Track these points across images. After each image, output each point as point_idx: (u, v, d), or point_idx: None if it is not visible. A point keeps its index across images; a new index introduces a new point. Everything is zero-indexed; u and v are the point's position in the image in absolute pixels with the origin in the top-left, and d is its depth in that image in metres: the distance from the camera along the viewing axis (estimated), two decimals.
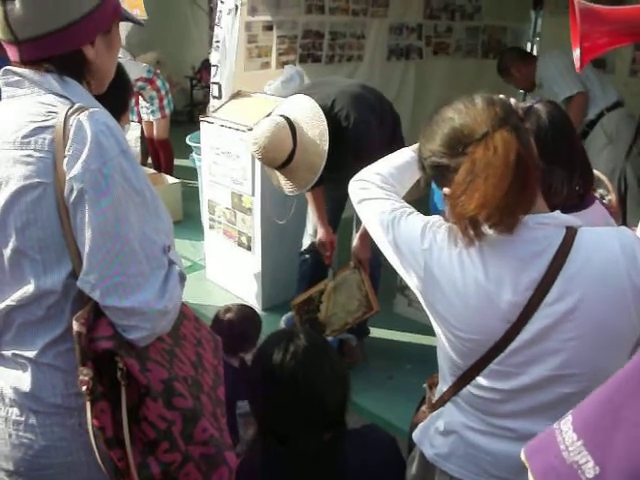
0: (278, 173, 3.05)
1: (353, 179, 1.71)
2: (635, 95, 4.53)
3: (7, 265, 1.34)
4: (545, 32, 6.26)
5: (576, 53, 1.77)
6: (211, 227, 4.45)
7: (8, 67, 1.36)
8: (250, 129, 3.80)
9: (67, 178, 1.24)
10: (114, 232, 1.26)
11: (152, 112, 6.41)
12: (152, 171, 6.21)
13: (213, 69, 4.23)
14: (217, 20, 4.13)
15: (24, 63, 1.34)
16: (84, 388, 1.27)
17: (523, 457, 0.80)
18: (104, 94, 1.89)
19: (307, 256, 3.67)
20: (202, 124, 4.23)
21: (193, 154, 5.49)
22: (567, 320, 1.31)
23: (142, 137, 6.58)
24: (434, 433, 1.57)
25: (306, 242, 3.66)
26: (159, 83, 6.33)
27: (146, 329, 1.31)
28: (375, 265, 3.45)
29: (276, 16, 4.53)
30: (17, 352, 1.37)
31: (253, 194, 3.97)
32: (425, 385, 1.77)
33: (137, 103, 6.48)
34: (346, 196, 3.59)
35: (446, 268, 1.39)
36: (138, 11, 5.01)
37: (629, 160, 3.92)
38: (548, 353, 1.34)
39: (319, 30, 4.94)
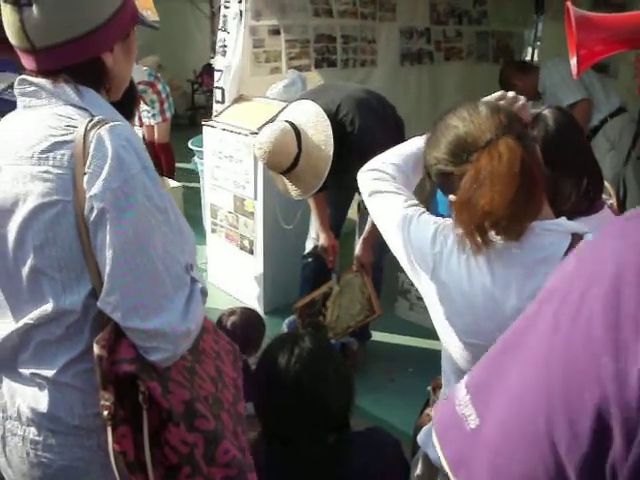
0: (284, 178, 3.07)
1: (364, 168, 1.69)
2: (638, 100, 4.55)
3: (25, 283, 1.31)
4: (546, 37, 6.28)
5: (573, 61, 1.79)
6: (213, 231, 4.46)
7: (24, 76, 1.31)
8: (252, 133, 3.82)
9: (87, 196, 1.20)
10: (136, 252, 1.22)
11: (153, 116, 6.43)
12: None
13: (217, 74, 4.24)
14: (222, 25, 4.13)
15: (41, 73, 1.30)
16: (105, 413, 1.23)
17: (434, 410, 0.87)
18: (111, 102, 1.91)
19: (310, 259, 3.68)
20: (204, 128, 4.25)
21: (195, 158, 5.50)
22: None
23: (143, 141, 6.58)
24: None
25: (309, 246, 3.68)
26: (160, 87, 6.35)
27: (168, 350, 1.27)
28: (377, 268, 3.47)
29: (282, 20, 4.53)
30: (35, 371, 1.34)
31: (255, 198, 3.98)
32: (429, 388, 1.78)
33: (137, 107, 6.49)
34: (350, 200, 3.66)
35: (454, 272, 1.40)
36: (149, 12, 5.01)
37: (629, 165, 3.94)
38: None
39: (331, 34, 4.92)
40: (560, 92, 4.16)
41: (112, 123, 1.24)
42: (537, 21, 6.38)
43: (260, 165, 3.67)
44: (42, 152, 1.25)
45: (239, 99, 4.26)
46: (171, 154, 6.64)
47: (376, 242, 3.35)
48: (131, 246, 1.21)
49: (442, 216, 1.53)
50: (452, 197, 1.36)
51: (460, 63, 6.09)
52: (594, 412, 0.58)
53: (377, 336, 3.83)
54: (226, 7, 4.06)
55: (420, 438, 1.65)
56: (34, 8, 1.22)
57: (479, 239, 1.32)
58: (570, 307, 0.64)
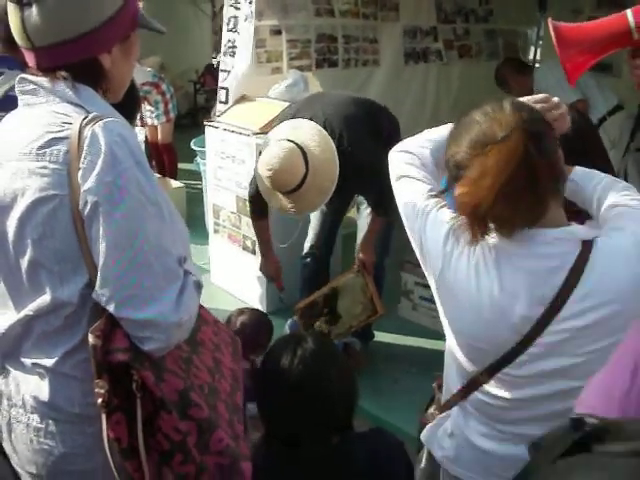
0: (281, 196, 3.00)
1: (397, 148, 1.67)
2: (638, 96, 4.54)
3: (25, 275, 1.34)
4: (547, 36, 6.25)
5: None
6: (216, 231, 4.46)
7: (24, 75, 1.35)
8: (255, 133, 3.82)
9: (82, 191, 1.24)
10: (129, 244, 1.25)
11: (157, 116, 6.42)
12: (157, 175, 6.21)
13: (223, 74, 4.22)
14: (232, 26, 4.10)
15: (41, 70, 1.33)
16: (100, 400, 1.27)
17: None
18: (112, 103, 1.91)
19: (308, 260, 3.69)
20: (207, 129, 4.24)
21: (198, 158, 5.50)
22: (583, 336, 1.32)
23: (146, 141, 6.59)
24: (442, 435, 1.58)
25: (307, 246, 3.68)
26: (164, 87, 6.35)
27: (161, 340, 1.30)
28: (379, 268, 3.47)
29: (284, 20, 4.52)
30: (36, 361, 1.38)
31: None
32: (434, 385, 1.77)
33: (139, 109, 6.50)
34: (343, 212, 3.66)
35: (462, 275, 1.39)
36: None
37: (629, 158, 3.93)
38: (563, 368, 1.35)
39: (332, 34, 4.91)
40: (555, 94, 4.13)
41: (106, 120, 1.27)
42: (540, 19, 6.38)
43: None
44: (39, 148, 1.28)
45: (241, 99, 4.25)
46: (174, 154, 6.64)
47: (377, 242, 3.35)
48: (124, 239, 1.25)
49: None
50: (458, 187, 1.35)
51: (471, 61, 6.07)
52: None
53: (380, 337, 3.82)
54: (236, 8, 4.03)
55: (424, 435, 1.65)
56: (34, 8, 1.25)
57: (477, 230, 1.32)
58: None
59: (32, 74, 1.35)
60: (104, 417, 1.28)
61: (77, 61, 1.32)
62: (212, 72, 8.70)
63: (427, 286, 1.58)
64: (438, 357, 1.73)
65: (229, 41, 4.18)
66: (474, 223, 1.31)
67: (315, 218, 3.65)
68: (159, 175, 6.23)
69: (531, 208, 1.30)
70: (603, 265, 1.30)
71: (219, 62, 4.48)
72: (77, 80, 1.33)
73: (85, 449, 1.39)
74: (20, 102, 1.37)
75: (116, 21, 1.33)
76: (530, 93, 4.56)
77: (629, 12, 1.73)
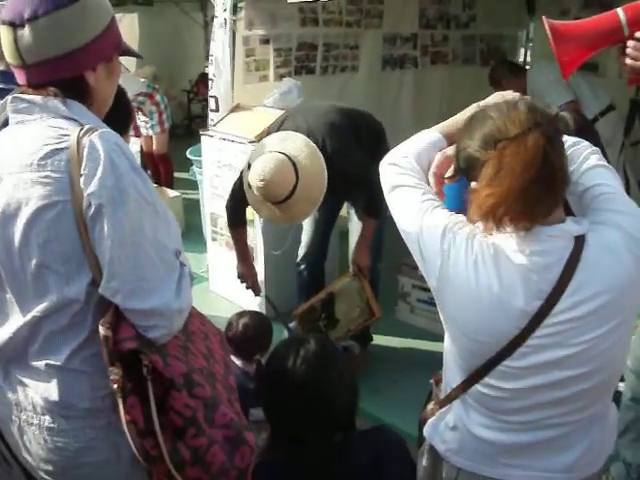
0: (271, 206, 3.02)
1: (385, 161, 1.71)
2: (626, 96, 4.61)
3: (30, 279, 1.43)
4: (537, 38, 6.34)
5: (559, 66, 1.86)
6: (214, 239, 4.51)
7: (17, 95, 1.45)
8: (251, 142, 3.86)
9: (85, 195, 1.34)
10: (131, 241, 1.36)
11: (152, 126, 6.45)
12: (152, 185, 6.24)
13: (210, 82, 4.30)
14: (212, 34, 4.20)
15: (31, 87, 1.44)
16: (115, 386, 1.37)
17: None
18: (106, 116, 1.98)
19: (302, 266, 3.75)
20: (203, 138, 4.30)
21: (194, 167, 5.55)
22: (578, 326, 1.39)
23: (141, 151, 6.63)
24: (444, 429, 1.63)
25: (301, 252, 3.75)
26: (158, 98, 6.38)
27: (165, 327, 1.42)
28: (373, 271, 3.52)
29: (272, 30, 4.61)
30: (45, 362, 1.46)
31: None
32: (432, 381, 1.82)
33: (132, 122, 6.54)
34: (334, 217, 3.71)
35: (461, 272, 1.45)
36: None
37: (625, 153, 3.99)
38: (560, 358, 1.41)
39: (313, 42, 5.01)
40: (547, 95, 4.21)
41: (101, 130, 1.39)
42: (529, 22, 6.45)
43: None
44: (40, 159, 1.38)
45: (236, 108, 4.31)
46: (170, 164, 6.68)
47: (370, 245, 3.41)
48: (127, 236, 1.36)
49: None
50: (473, 184, 1.40)
51: (445, 67, 6.15)
52: None
53: (378, 339, 3.88)
54: (216, 17, 4.13)
55: (426, 430, 1.69)
56: (27, 28, 1.37)
57: (492, 225, 1.37)
58: None
59: (23, 92, 1.45)
60: (120, 401, 1.38)
61: (65, 77, 1.43)
62: (205, 81, 8.68)
63: (424, 289, 1.65)
64: (436, 358, 1.77)
65: (211, 49, 4.27)
66: (492, 220, 1.37)
67: (307, 225, 3.71)
68: (155, 185, 6.26)
69: (548, 208, 1.37)
70: (594, 259, 1.38)
71: None
72: (65, 96, 1.43)
73: (97, 441, 1.48)
74: (12, 120, 1.47)
75: (101, 41, 1.45)
76: (524, 94, 4.62)
77: (620, 10, 1.79)
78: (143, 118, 6.47)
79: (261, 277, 4.17)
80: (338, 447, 1.69)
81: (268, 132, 3.29)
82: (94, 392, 1.46)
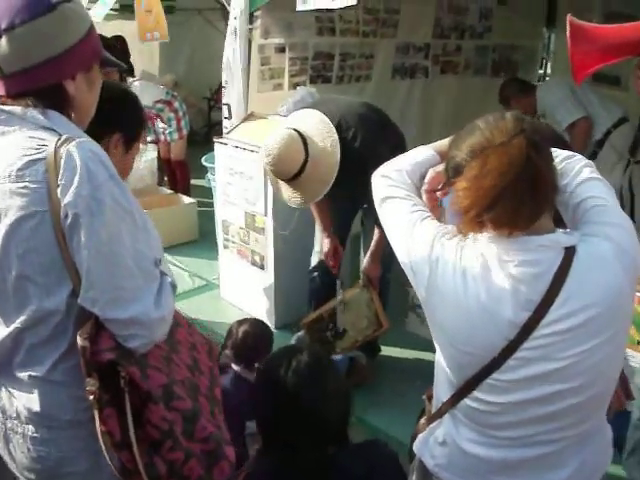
0: (287, 185, 3.08)
1: (377, 174, 1.73)
2: None
3: (11, 290, 1.43)
4: (559, 50, 6.28)
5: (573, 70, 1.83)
6: (225, 247, 4.51)
7: None
8: None
9: (62, 205, 1.33)
10: (109, 250, 1.35)
11: (170, 133, 6.50)
12: (168, 192, 6.29)
13: (222, 90, 4.31)
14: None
15: (10, 97, 1.43)
16: (91, 397, 1.37)
17: None
18: (118, 124, 1.98)
19: (315, 274, 3.71)
20: (216, 145, 4.30)
21: (209, 174, 5.56)
22: (567, 339, 1.36)
23: (158, 158, 6.67)
24: (433, 444, 1.61)
25: (314, 260, 3.70)
26: (177, 105, 6.43)
27: (145, 337, 1.42)
28: (384, 282, 3.49)
29: (289, 38, 4.61)
30: (28, 373, 1.46)
31: (266, 214, 4.02)
32: (424, 397, 1.80)
33: (153, 124, 6.60)
34: (353, 213, 3.68)
35: (449, 281, 1.44)
36: (158, 34, 5.09)
37: (634, 170, 3.93)
38: (549, 371, 1.38)
39: (330, 52, 5.00)
40: (557, 113, 4.17)
41: (78, 140, 1.38)
42: (549, 35, 6.40)
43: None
44: (18, 170, 1.38)
45: (250, 116, 4.31)
46: (186, 171, 6.71)
47: (382, 255, 3.38)
48: (104, 246, 1.35)
49: None
50: (457, 184, 1.39)
51: (455, 77, 6.11)
52: None
53: (387, 351, 3.84)
54: (228, 24, 4.14)
55: (416, 445, 1.68)
56: (3, 39, 1.37)
57: (472, 227, 1.38)
58: None
59: (2, 103, 1.44)
60: (96, 413, 1.38)
61: (44, 86, 1.42)
62: None
63: None
64: None
65: (224, 56, 4.28)
66: (470, 221, 1.37)
67: (321, 231, 3.67)
68: (171, 191, 6.30)
69: (531, 213, 1.35)
70: (583, 271, 1.36)
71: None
72: (44, 106, 1.43)
73: (78, 452, 1.49)
74: None
75: (79, 49, 1.45)
76: (533, 112, 4.57)
77: None
78: (161, 125, 6.52)
79: (271, 285, 4.18)
80: (330, 460, 1.67)
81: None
82: (76, 404, 1.46)
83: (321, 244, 3.58)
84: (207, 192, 6.06)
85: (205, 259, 5.25)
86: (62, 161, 1.34)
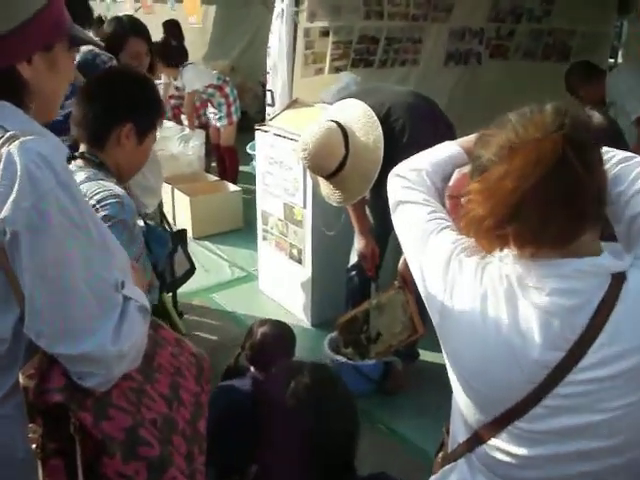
0: (326, 182, 2.89)
1: (393, 173, 1.51)
2: None
3: None
4: (631, 39, 5.87)
5: None
6: (264, 238, 4.35)
7: None
8: None
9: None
10: (55, 274, 1.12)
11: (219, 118, 6.41)
12: (214, 178, 6.20)
13: (267, 75, 4.13)
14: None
15: None
16: (34, 446, 1.16)
17: None
18: (130, 113, 1.81)
19: (353, 273, 3.51)
20: (257, 132, 4.14)
21: (253, 162, 5.42)
22: (609, 388, 1.11)
23: (207, 143, 6.59)
24: None
25: (353, 259, 3.50)
26: (228, 90, 6.35)
27: (102, 375, 1.19)
28: None
29: (334, 22, 4.39)
30: None
31: (305, 206, 3.84)
32: (444, 429, 1.59)
33: (198, 110, 6.50)
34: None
35: (466, 307, 1.21)
36: (194, 19, 4.98)
37: None
38: (583, 425, 1.14)
39: (375, 35, 4.75)
40: (628, 103, 3.84)
41: (23, 138, 1.13)
42: (621, 22, 6.00)
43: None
44: None
45: (294, 103, 4.13)
46: (235, 157, 6.60)
47: None
48: (49, 269, 1.12)
49: None
50: (470, 186, 1.17)
51: (504, 62, 5.75)
52: None
53: (426, 356, 3.61)
54: (274, 7, 3.97)
55: None
56: None
57: (492, 242, 1.16)
58: None
59: None
60: (39, 464, 1.17)
61: None
62: None
63: None
64: None
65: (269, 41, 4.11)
66: (486, 235, 1.15)
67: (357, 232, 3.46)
68: (217, 178, 6.20)
69: (563, 228, 1.10)
70: (634, 305, 1.10)
71: None
72: None
73: None
74: None
75: (33, 27, 1.20)
76: (600, 100, 4.23)
77: None
78: (212, 110, 6.44)
79: (309, 281, 4.00)
80: None
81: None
82: (28, 442, 1.23)
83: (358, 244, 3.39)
84: (253, 179, 5.93)
85: (247, 249, 5.12)
86: (1, 166, 1.11)
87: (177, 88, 6.63)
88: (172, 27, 6.89)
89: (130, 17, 3.68)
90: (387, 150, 2.74)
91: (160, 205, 3.68)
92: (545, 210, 1.08)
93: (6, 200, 1.09)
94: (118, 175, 1.91)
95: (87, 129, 1.88)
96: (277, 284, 4.36)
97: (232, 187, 5.84)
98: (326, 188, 2.91)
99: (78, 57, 2.92)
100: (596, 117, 1.54)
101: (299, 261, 4.03)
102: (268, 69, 4.10)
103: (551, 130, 1.08)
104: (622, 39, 6.23)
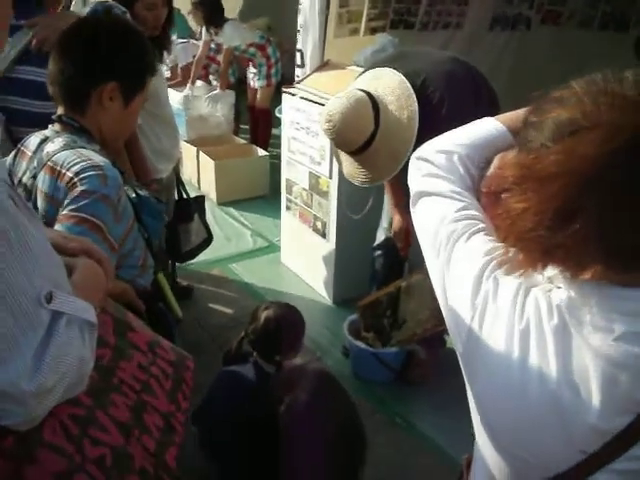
0: (350, 159, 2.61)
1: (415, 155, 1.22)
2: None
3: None
4: None
5: None
6: (288, 208, 4.10)
7: None
8: None
9: None
10: None
11: (259, 79, 6.15)
12: (242, 142, 5.96)
13: (297, 34, 3.84)
14: None
15: None
16: None
17: None
18: (114, 69, 1.57)
19: (380, 252, 3.24)
20: (284, 95, 3.85)
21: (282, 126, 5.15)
22: None
23: (236, 105, 6.33)
24: None
25: (380, 236, 3.23)
26: (270, 50, 6.10)
27: (19, 414, 0.90)
28: None
29: None
30: None
31: (330, 177, 3.56)
32: (463, 462, 1.33)
33: (225, 67, 6.22)
34: None
35: (500, 344, 0.92)
36: None
37: None
38: None
39: None
40: None
41: None
42: None
43: None
44: None
45: (325, 65, 3.83)
46: (269, 121, 6.31)
47: None
48: None
49: None
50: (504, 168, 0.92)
51: (555, 29, 5.34)
52: None
53: (451, 343, 3.34)
54: None
55: None
56: None
57: (541, 253, 0.87)
58: None
59: None
60: None
61: None
62: None
63: None
64: None
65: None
66: (530, 241, 0.86)
67: (391, 204, 3.17)
68: (244, 142, 5.96)
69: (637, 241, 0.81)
70: None
71: None
72: None
73: None
74: None
75: None
76: None
77: None
78: (252, 70, 6.20)
79: (332, 257, 3.76)
80: None
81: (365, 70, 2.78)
82: None
83: (390, 220, 3.10)
84: None
85: (271, 218, 4.89)
86: None
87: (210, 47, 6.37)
88: None
89: None
90: (423, 125, 2.44)
91: (177, 170, 3.46)
92: (619, 214, 0.79)
93: None
94: (102, 141, 1.67)
95: (64, 88, 1.62)
96: (299, 257, 4.12)
97: (260, 152, 5.59)
98: (350, 165, 2.63)
99: (87, 9, 2.66)
100: None
101: (323, 235, 3.78)
102: (299, 27, 3.79)
103: (622, 108, 0.79)
104: None
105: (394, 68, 2.57)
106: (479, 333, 0.94)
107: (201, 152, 5.36)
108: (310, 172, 3.73)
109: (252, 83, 6.29)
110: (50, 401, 0.92)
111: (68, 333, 0.92)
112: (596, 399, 0.84)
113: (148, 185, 2.90)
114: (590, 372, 0.84)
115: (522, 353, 0.89)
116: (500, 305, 0.93)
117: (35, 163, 1.57)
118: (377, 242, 3.26)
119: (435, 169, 1.12)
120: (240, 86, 6.66)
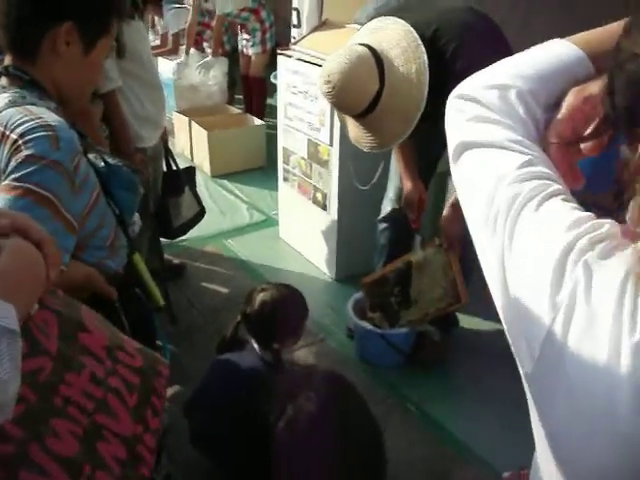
0: (354, 122, 2.35)
1: (457, 92, 0.94)
2: None
3: None
4: None
5: None
6: (285, 179, 3.85)
7: None
8: None
9: None
10: None
11: (252, 45, 5.85)
12: (237, 111, 5.69)
13: None
14: None
15: None
16: None
17: None
18: (68, 6, 1.31)
19: (386, 225, 2.99)
20: (279, 58, 3.58)
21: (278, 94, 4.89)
22: None
23: (230, 73, 6.04)
24: None
25: (386, 208, 2.97)
26: (264, 15, 5.80)
27: None
28: (467, 244, 2.71)
29: None
30: None
31: (331, 144, 3.31)
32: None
33: (218, 33, 5.91)
34: (438, 159, 2.90)
35: (599, 359, 0.64)
36: None
37: None
38: None
39: None
40: None
41: None
42: None
43: None
44: None
45: (323, 25, 3.55)
46: (263, 89, 6.04)
47: None
48: None
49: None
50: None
51: None
52: None
53: (464, 322, 3.10)
54: None
55: None
56: None
57: None
58: None
59: None
60: None
61: None
62: None
63: None
64: None
65: None
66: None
67: (397, 174, 2.90)
68: (239, 111, 5.68)
69: None
70: None
71: None
72: None
73: None
74: None
75: None
76: None
77: None
78: (245, 36, 5.90)
79: (334, 230, 3.51)
80: None
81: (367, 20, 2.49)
82: None
83: (398, 190, 2.85)
84: None
85: (268, 190, 4.64)
86: None
87: (202, 13, 6.05)
88: None
89: None
90: (434, 82, 2.17)
91: (165, 139, 3.20)
92: None
93: None
94: (60, 98, 1.39)
95: (11, 33, 1.33)
96: (298, 232, 3.88)
97: (256, 121, 5.32)
98: (355, 129, 2.37)
99: None
100: None
101: (324, 207, 3.53)
102: None
103: None
104: None
105: (400, 18, 2.30)
106: (562, 344, 0.66)
107: (193, 122, 5.09)
108: (309, 140, 3.47)
109: (245, 50, 6.01)
110: None
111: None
112: None
113: (131, 155, 2.65)
114: None
115: (616, 359, 0.62)
116: (596, 305, 0.65)
117: None
118: (382, 214, 3.01)
119: (485, 111, 0.83)
120: (234, 54, 6.36)
